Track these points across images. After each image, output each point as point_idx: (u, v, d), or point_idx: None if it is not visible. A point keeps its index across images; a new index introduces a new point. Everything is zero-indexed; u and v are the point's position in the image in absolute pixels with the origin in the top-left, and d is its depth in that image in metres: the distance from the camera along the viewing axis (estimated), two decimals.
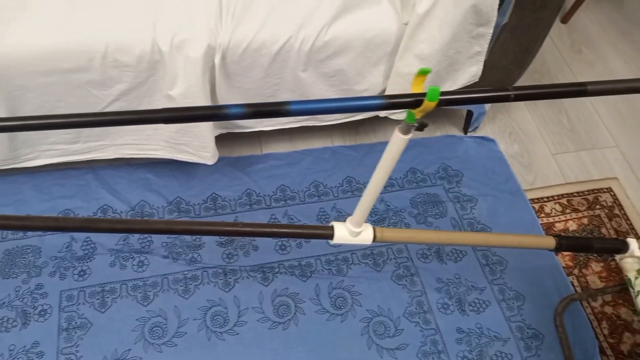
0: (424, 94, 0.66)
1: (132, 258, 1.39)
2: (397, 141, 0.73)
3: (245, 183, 1.58)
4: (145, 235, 1.44)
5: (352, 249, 1.46)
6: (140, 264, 1.38)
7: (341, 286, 1.38)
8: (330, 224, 0.91)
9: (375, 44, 1.26)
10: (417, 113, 0.67)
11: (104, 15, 1.17)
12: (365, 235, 0.88)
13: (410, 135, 0.73)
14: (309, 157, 1.66)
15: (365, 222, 0.91)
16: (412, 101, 0.66)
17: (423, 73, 0.64)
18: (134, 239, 1.44)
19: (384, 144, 1.70)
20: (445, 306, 1.36)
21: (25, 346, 1.23)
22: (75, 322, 1.27)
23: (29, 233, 1.42)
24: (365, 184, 1.63)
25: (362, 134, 1.74)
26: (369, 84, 1.35)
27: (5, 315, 1.27)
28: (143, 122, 0.61)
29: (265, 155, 1.66)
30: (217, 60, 1.20)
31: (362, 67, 1.30)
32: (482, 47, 1.27)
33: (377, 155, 1.65)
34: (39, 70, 1.15)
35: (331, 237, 0.88)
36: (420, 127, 0.69)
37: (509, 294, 1.39)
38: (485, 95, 0.70)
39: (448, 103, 0.65)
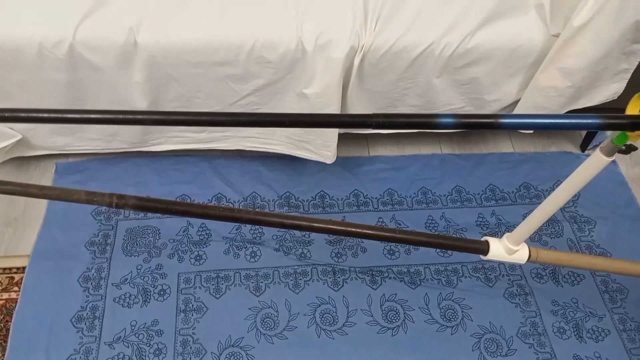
0: None
1: (245, 248, 1.43)
2: (596, 162, 0.70)
3: (353, 184, 1.59)
4: (257, 227, 1.47)
5: (462, 261, 1.43)
6: (253, 255, 1.42)
7: (451, 298, 1.36)
8: (483, 239, 0.89)
9: (518, 55, 1.22)
10: (634, 136, 0.64)
11: (254, 13, 1.19)
12: (521, 254, 0.86)
13: (612, 158, 0.70)
14: (417, 163, 1.64)
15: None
16: (628, 123, 0.63)
17: None
18: (246, 229, 1.47)
19: (496, 155, 1.71)
20: (562, 330, 1.31)
21: (145, 323, 1.29)
22: (192, 305, 1.32)
23: (149, 214, 1.49)
24: (475, 195, 1.60)
25: (472, 142, 1.70)
26: (502, 94, 1.32)
27: (128, 291, 1.33)
28: (354, 126, 0.61)
29: (372, 157, 1.66)
30: (356, 62, 1.20)
31: (499, 77, 1.27)
32: (631, 64, 1.20)
33: (488, 166, 1.65)
34: (189, 61, 1.19)
35: (485, 252, 0.86)
36: (628, 150, 0.66)
37: (630, 325, 1.32)
38: None
39: None
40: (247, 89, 1.28)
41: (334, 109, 1.26)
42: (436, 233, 1.43)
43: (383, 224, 1.50)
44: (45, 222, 1.43)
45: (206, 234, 1.45)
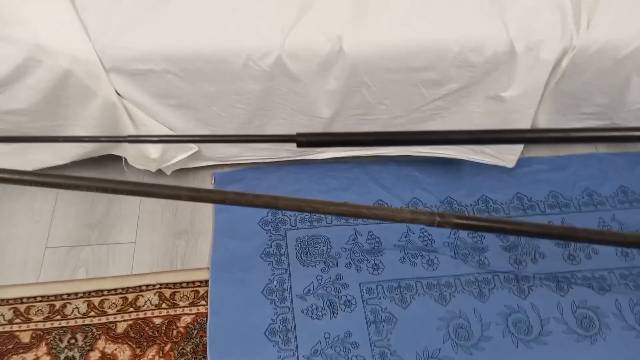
0: None
1: (420, 256, 1.40)
2: None
3: (514, 186, 1.55)
4: (426, 234, 1.44)
5: None
6: (430, 263, 1.39)
7: None
8: None
9: None
10: None
11: (454, 12, 1.15)
12: None
13: None
14: (574, 163, 1.60)
15: None
16: None
17: None
18: (415, 236, 1.44)
19: None
20: None
21: (339, 335, 1.26)
22: (381, 316, 1.29)
23: (315, 223, 1.46)
24: None
25: None
26: None
27: (313, 302, 1.31)
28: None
29: (528, 158, 1.61)
30: (564, 63, 1.16)
31: None
32: None
33: None
34: (389, 67, 1.16)
35: None
36: None
37: None
38: None
39: None
40: (437, 94, 1.24)
41: (531, 112, 1.22)
42: None
43: None
44: (216, 233, 1.42)
45: (376, 242, 1.42)
